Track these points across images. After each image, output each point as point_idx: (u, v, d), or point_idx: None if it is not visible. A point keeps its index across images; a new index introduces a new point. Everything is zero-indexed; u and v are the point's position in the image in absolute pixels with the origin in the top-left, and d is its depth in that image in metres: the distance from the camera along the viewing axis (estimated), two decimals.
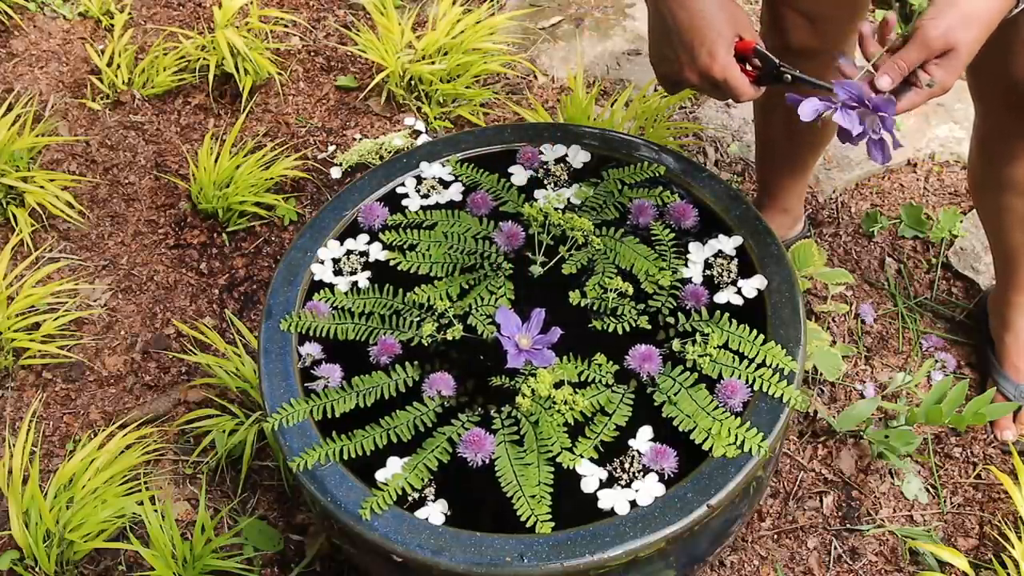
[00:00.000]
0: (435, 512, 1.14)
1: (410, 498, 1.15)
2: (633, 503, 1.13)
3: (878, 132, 1.09)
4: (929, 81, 1.06)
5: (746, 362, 1.24)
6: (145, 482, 1.67)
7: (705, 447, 1.16)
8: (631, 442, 1.18)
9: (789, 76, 1.17)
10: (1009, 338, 1.74)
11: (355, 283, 1.37)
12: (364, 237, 1.43)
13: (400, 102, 2.32)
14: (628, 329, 1.29)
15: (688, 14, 1.13)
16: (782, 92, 1.66)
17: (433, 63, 2.28)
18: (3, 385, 1.86)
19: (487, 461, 1.17)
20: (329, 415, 1.23)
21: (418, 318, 1.32)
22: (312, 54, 2.48)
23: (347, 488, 1.16)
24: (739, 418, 1.18)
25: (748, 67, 1.18)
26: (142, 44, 2.47)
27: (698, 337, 1.27)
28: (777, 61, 1.17)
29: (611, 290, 1.31)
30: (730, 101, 2.27)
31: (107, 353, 1.91)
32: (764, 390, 1.21)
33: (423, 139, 2.21)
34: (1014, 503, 1.57)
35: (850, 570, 1.60)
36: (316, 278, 1.39)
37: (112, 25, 2.44)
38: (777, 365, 1.23)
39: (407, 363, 1.27)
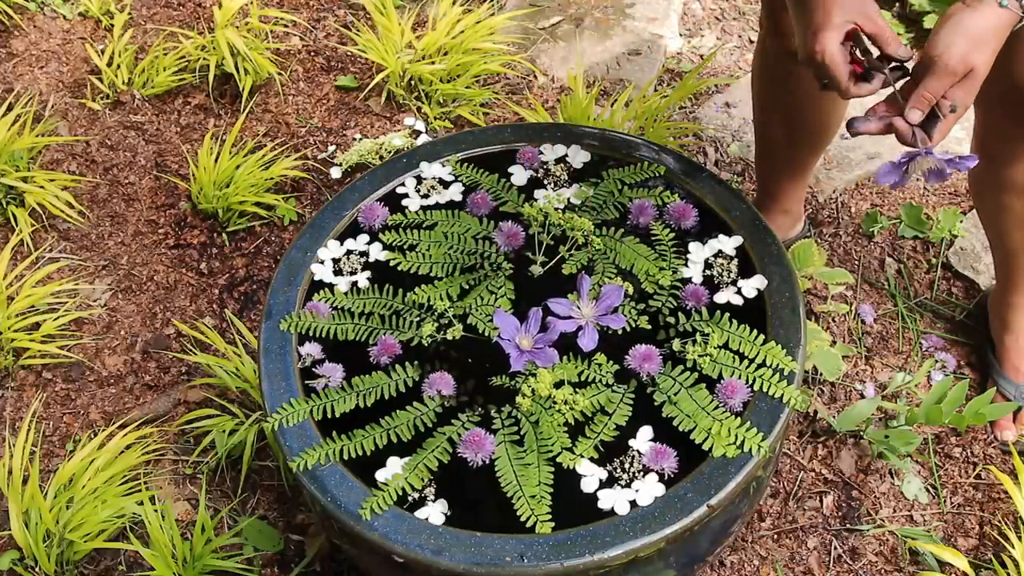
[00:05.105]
0: (435, 512, 1.14)
1: (410, 498, 1.15)
2: (633, 503, 1.13)
3: (932, 165, 1.13)
4: (952, 105, 1.09)
5: (746, 362, 1.24)
6: (145, 482, 1.67)
7: (705, 447, 1.16)
8: (631, 442, 1.18)
9: (885, 75, 1.10)
10: (1009, 339, 1.74)
11: (355, 283, 1.37)
12: (364, 237, 1.43)
13: (400, 102, 2.32)
14: (628, 329, 1.29)
15: None
16: (782, 93, 1.67)
17: (433, 63, 2.28)
18: (3, 385, 1.86)
19: (487, 461, 1.17)
20: (329, 415, 1.23)
21: (418, 318, 1.32)
22: (312, 54, 2.48)
23: (347, 488, 1.16)
24: (739, 418, 1.18)
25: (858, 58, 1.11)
26: (142, 44, 2.47)
27: (698, 337, 1.27)
28: (873, 55, 1.09)
29: None
30: (728, 101, 2.28)
31: (107, 353, 1.91)
32: (764, 390, 1.21)
33: (423, 139, 2.21)
34: (1014, 503, 1.57)
35: (850, 570, 1.60)
36: (316, 278, 1.39)
37: (112, 25, 2.44)
38: (777, 365, 1.23)
39: (407, 363, 1.27)
